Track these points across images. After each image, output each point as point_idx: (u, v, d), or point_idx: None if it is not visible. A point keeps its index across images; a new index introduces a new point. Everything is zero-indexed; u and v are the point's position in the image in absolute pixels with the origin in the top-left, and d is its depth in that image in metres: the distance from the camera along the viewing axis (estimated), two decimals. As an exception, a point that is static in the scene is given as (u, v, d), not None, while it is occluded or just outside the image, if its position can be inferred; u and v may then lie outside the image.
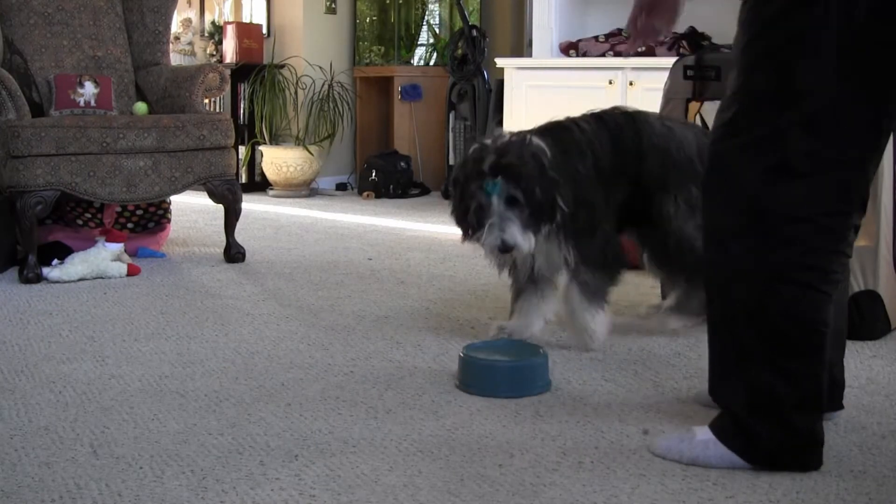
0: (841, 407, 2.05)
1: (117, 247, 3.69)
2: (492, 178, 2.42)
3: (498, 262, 2.67)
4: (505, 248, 2.45)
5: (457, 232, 2.60)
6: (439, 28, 6.86)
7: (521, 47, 6.32)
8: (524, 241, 2.46)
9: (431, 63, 6.77)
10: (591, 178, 2.58)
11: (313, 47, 6.57)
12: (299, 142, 6.29)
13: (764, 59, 1.75)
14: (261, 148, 6.42)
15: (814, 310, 1.76)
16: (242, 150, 6.44)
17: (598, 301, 2.62)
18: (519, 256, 2.56)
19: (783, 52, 1.72)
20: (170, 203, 4.32)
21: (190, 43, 6.72)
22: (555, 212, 2.50)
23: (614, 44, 5.19)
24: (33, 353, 2.63)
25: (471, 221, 2.48)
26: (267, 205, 5.90)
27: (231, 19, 6.72)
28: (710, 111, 3.24)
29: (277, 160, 6.26)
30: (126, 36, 4.36)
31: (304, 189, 6.35)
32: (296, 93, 6.42)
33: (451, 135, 6.21)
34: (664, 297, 3.02)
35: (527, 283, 2.71)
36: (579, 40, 5.31)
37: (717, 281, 1.85)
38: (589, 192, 2.58)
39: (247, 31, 6.49)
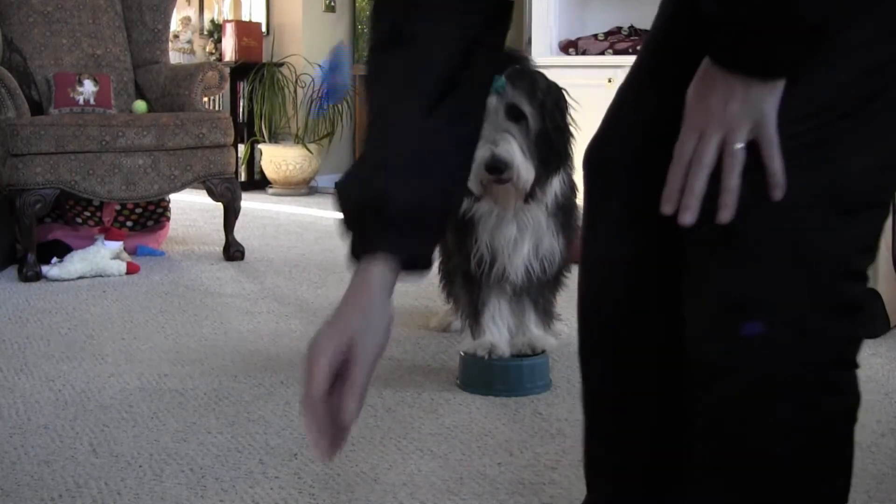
0: None
1: (116, 245, 3.69)
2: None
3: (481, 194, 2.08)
4: (495, 166, 1.96)
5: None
6: (439, 26, 6.85)
7: (521, 45, 6.31)
8: (524, 164, 2.00)
9: (431, 61, 6.77)
10: None
11: (312, 45, 6.56)
12: (298, 140, 6.29)
13: None
14: (260, 146, 6.42)
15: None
16: (242, 148, 6.44)
17: (549, 320, 2.48)
18: (514, 182, 2.03)
19: None
20: (169, 201, 4.32)
21: (189, 41, 6.72)
22: (562, 162, 2.10)
23: (613, 42, 5.19)
24: (32, 351, 2.63)
25: None
26: (266, 203, 5.89)
27: (230, 17, 6.72)
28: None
29: (277, 158, 6.26)
30: (125, 34, 4.36)
31: (304, 187, 6.35)
32: (295, 91, 6.42)
33: (450, 133, 6.19)
34: None
35: (487, 290, 2.35)
36: (578, 39, 5.31)
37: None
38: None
39: (246, 30, 6.49)
